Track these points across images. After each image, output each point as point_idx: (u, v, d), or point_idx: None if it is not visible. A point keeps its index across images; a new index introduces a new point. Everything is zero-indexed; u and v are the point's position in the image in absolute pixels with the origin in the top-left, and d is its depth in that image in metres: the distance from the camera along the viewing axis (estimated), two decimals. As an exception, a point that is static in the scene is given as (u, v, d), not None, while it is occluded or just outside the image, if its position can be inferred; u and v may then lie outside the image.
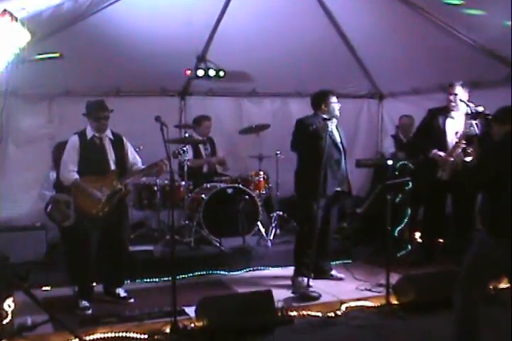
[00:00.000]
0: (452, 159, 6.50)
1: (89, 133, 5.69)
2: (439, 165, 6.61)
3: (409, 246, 7.48)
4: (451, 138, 6.62)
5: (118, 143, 5.81)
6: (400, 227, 7.41)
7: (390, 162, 7.04)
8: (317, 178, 5.88)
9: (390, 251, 5.77)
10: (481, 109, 6.20)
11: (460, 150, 6.42)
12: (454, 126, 6.62)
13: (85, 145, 5.64)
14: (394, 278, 5.62)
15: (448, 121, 6.67)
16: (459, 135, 6.51)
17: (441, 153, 6.59)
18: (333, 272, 6.49)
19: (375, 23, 7.35)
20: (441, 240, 7.17)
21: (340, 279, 6.40)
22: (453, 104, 6.57)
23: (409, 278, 5.62)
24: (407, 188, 7.14)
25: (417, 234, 7.81)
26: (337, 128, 6.34)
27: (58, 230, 6.73)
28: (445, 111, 6.70)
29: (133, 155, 5.93)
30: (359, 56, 8.51)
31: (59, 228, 6.65)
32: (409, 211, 7.50)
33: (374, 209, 5.96)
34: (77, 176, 5.55)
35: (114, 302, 5.74)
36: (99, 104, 5.71)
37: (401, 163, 7.53)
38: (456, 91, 6.54)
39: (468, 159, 6.32)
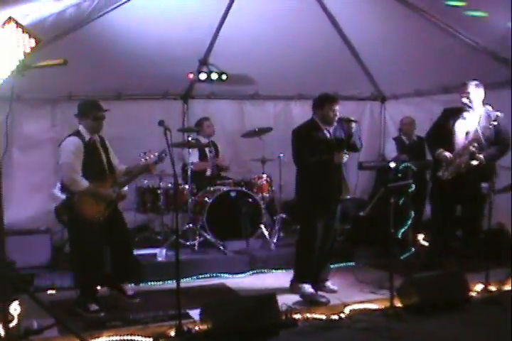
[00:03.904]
0: (458, 160, 6.41)
1: (85, 135, 5.54)
2: (442, 165, 6.51)
3: (413, 249, 7.48)
4: (461, 139, 6.44)
5: (104, 144, 5.78)
6: (403, 230, 7.41)
7: (392, 164, 7.03)
8: (323, 189, 5.91)
9: (393, 254, 5.79)
10: (498, 113, 6.19)
11: (469, 151, 6.33)
12: (465, 127, 6.44)
13: (86, 148, 5.50)
14: (398, 281, 5.61)
15: (459, 121, 6.46)
16: (469, 137, 6.38)
17: (447, 154, 6.48)
18: (328, 283, 6.23)
19: (377, 25, 7.37)
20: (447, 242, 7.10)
21: (334, 292, 6.10)
22: (467, 103, 6.38)
23: (413, 280, 5.63)
24: (410, 191, 7.14)
25: (420, 236, 7.82)
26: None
27: (68, 232, 6.74)
28: (458, 111, 6.52)
29: (114, 156, 5.89)
30: (361, 58, 8.52)
31: (68, 230, 6.67)
32: (412, 213, 7.50)
33: (377, 211, 5.97)
34: (87, 183, 5.40)
35: (120, 298, 5.76)
36: (96, 104, 5.67)
37: (404, 165, 7.54)
38: (469, 91, 6.36)
39: (474, 163, 6.28)
